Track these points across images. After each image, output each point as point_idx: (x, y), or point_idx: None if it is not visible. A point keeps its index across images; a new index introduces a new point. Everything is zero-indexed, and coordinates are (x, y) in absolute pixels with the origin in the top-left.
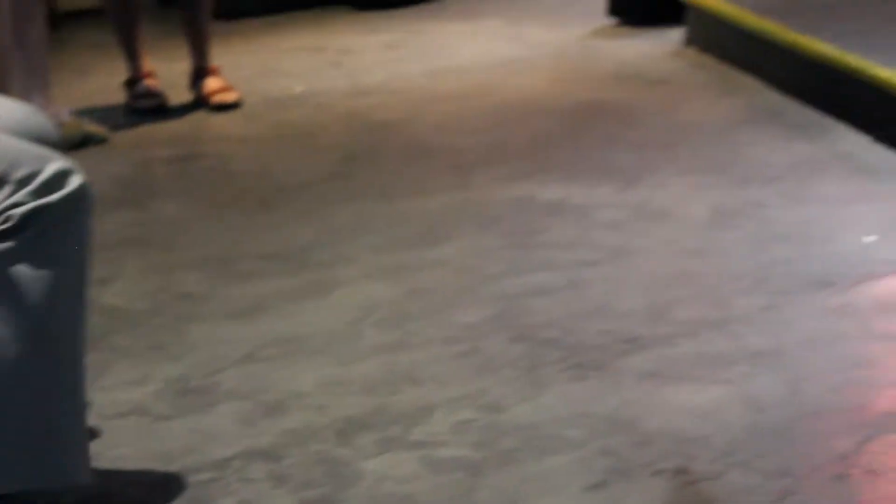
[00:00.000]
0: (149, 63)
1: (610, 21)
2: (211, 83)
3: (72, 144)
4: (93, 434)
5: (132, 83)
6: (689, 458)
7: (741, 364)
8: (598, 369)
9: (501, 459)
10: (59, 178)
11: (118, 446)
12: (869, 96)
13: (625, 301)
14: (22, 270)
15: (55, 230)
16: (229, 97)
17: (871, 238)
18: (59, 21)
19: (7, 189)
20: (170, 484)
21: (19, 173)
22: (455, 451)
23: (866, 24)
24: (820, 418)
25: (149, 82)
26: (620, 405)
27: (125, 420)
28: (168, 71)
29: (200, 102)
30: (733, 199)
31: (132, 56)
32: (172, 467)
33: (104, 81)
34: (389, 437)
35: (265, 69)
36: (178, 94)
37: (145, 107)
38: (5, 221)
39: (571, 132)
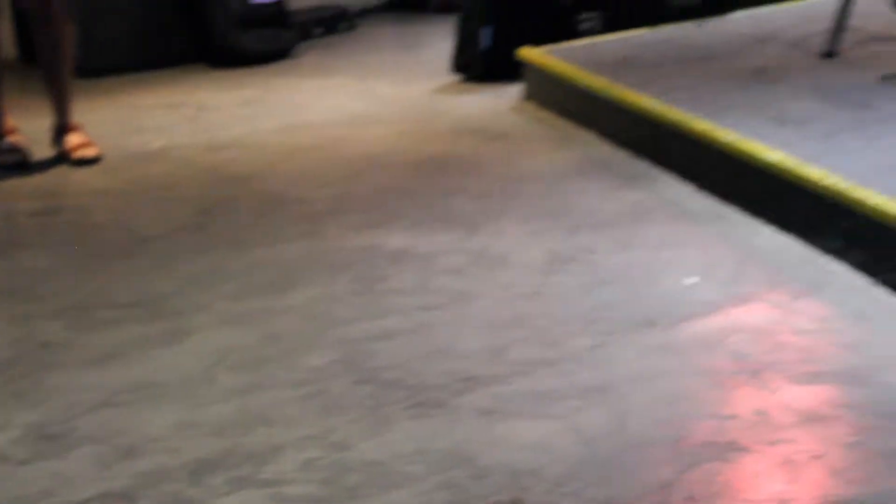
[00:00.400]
0: (12, 119)
1: (453, 78)
2: (72, 139)
3: None
4: None
5: None
6: (523, 490)
7: (572, 400)
8: (438, 407)
9: (347, 495)
10: None
11: None
12: (691, 147)
13: (464, 343)
14: None
15: None
16: (90, 152)
17: (693, 280)
18: None
19: None
20: None
21: None
22: (303, 489)
23: (689, 81)
24: (644, 449)
25: (12, 138)
26: (459, 441)
27: None
28: (31, 127)
29: (62, 157)
30: (567, 245)
31: None
32: None
33: None
34: (240, 477)
35: (125, 125)
36: (41, 149)
37: (8, 162)
38: None
39: (417, 183)
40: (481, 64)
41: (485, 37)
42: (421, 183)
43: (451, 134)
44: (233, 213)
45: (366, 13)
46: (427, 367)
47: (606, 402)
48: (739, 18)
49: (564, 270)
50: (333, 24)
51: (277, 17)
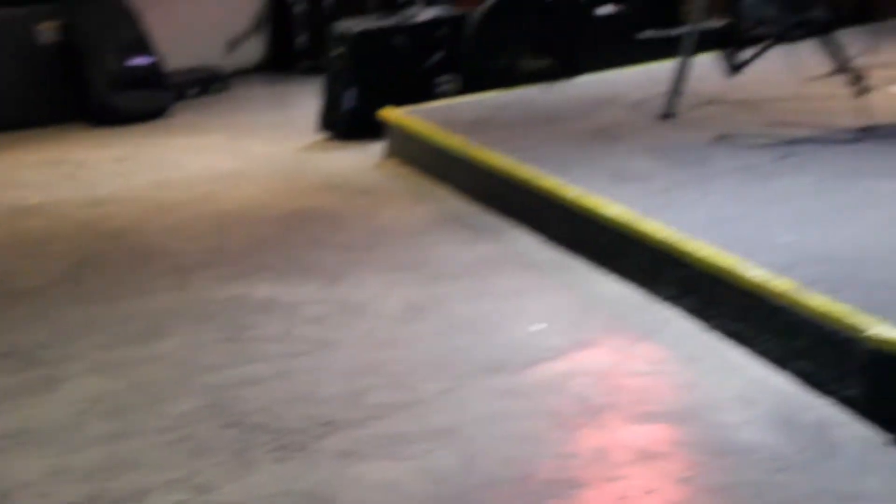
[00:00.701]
0: None
1: (320, 136)
2: None
3: None
4: None
5: None
6: None
7: (424, 442)
8: (300, 450)
9: None
10: None
11: None
12: (539, 202)
13: (325, 388)
14: None
15: None
16: None
17: (539, 326)
18: None
19: None
20: None
21: None
22: None
23: (537, 140)
24: (491, 488)
25: None
26: (319, 482)
27: None
28: None
29: None
30: (423, 294)
31: None
32: None
33: None
34: None
35: (4, 181)
36: None
37: None
38: None
39: (283, 236)
40: (346, 123)
41: (349, 98)
42: (287, 236)
43: (317, 189)
44: (106, 266)
45: (238, 74)
46: (290, 411)
47: (456, 443)
48: (585, 82)
49: (420, 319)
50: (207, 85)
51: (153, 78)
